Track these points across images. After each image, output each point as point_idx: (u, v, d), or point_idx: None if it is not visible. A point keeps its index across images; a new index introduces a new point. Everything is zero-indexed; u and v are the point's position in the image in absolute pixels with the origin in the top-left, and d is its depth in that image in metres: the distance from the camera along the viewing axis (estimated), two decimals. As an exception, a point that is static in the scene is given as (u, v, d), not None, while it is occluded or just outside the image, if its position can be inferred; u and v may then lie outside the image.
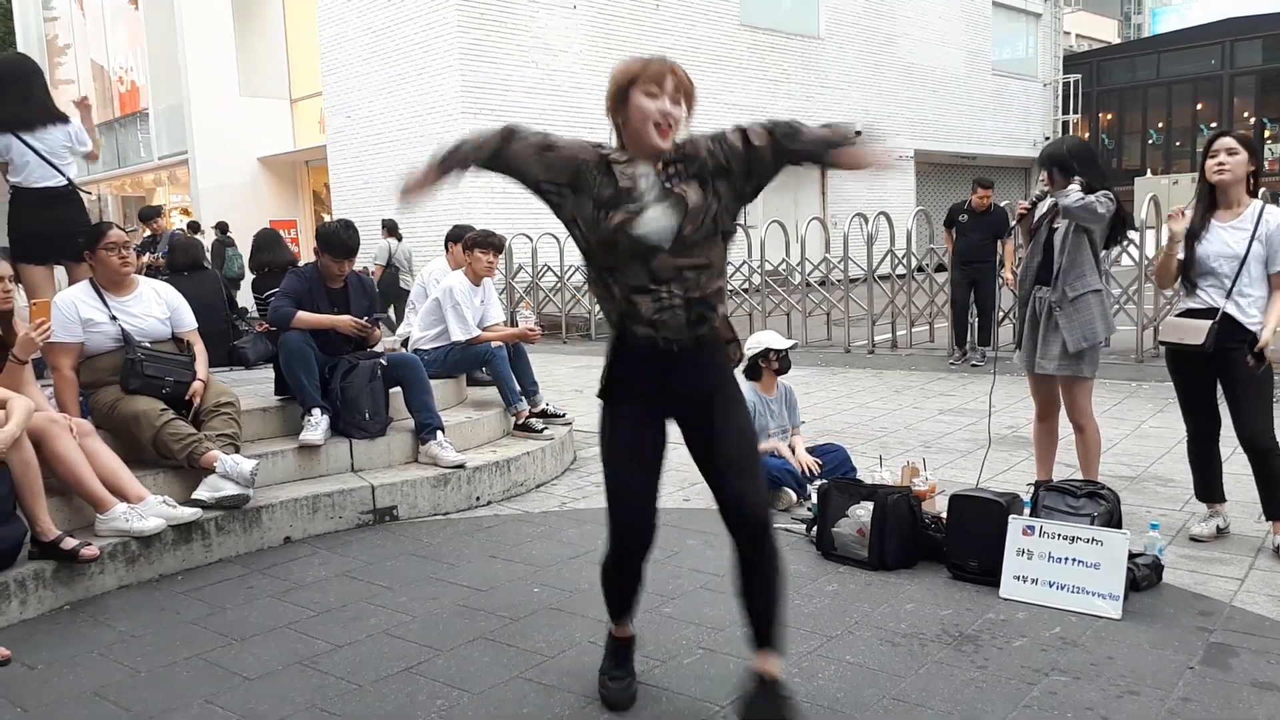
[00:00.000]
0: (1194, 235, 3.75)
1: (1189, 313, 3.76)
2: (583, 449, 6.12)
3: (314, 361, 4.76)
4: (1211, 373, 3.79)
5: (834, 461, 4.87)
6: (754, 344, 5.00)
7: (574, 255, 13.24)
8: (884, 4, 21.24)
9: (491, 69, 14.97)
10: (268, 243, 6.79)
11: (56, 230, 5.01)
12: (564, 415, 5.99)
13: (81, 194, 5.19)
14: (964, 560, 3.61)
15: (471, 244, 5.76)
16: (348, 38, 16.60)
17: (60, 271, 5.42)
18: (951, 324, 9.34)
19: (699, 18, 17.67)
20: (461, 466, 4.90)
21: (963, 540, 3.63)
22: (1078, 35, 35.45)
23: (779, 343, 4.99)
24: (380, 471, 4.86)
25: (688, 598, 3.58)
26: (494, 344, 5.64)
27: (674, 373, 2.47)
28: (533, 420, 5.62)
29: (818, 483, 4.33)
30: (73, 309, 4.24)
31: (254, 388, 5.25)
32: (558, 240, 13.14)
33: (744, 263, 12.29)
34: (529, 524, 4.65)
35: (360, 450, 4.89)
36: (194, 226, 13.54)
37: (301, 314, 4.77)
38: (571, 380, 9.28)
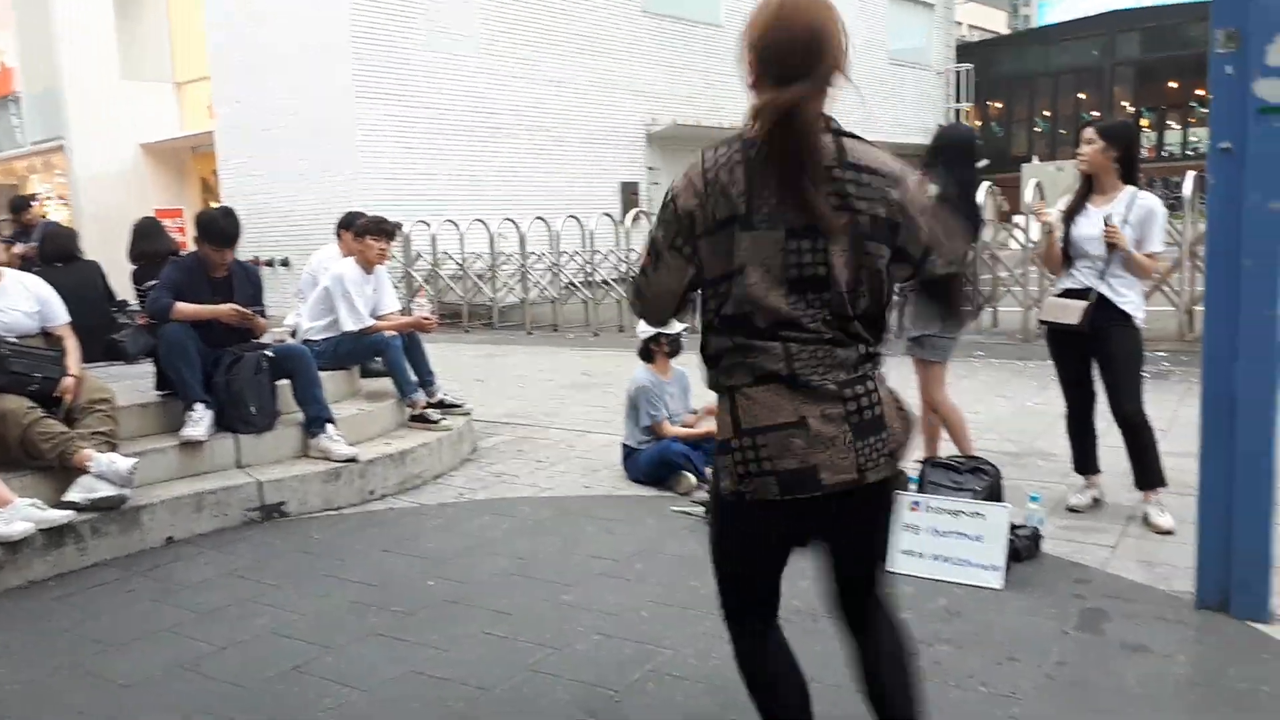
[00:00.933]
0: (1071, 219, 3.90)
1: (1067, 293, 3.91)
2: (482, 439, 6.05)
3: (195, 354, 4.57)
4: (1088, 351, 3.94)
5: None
6: (646, 328, 5.01)
7: (475, 242, 13.07)
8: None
9: (387, 54, 14.62)
10: (147, 232, 6.47)
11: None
12: (462, 405, 5.90)
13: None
14: (855, 537, 3.68)
15: (363, 231, 5.61)
16: (235, 20, 15.98)
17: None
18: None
19: (602, 4, 17.58)
20: (354, 460, 4.78)
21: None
22: (969, 25, 36.54)
23: (670, 327, 5.01)
24: (268, 467, 4.70)
25: (587, 585, 3.57)
26: (388, 333, 5.52)
27: None
28: (429, 411, 5.52)
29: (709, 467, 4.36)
30: None
31: (135, 383, 5.02)
32: (458, 227, 12.96)
33: (631, 250, 12.33)
34: (425, 517, 4.57)
35: (247, 445, 4.72)
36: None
37: (180, 305, 4.57)
38: (472, 369, 9.16)
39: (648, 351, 5.00)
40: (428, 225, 13.16)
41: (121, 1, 18.60)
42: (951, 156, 4.13)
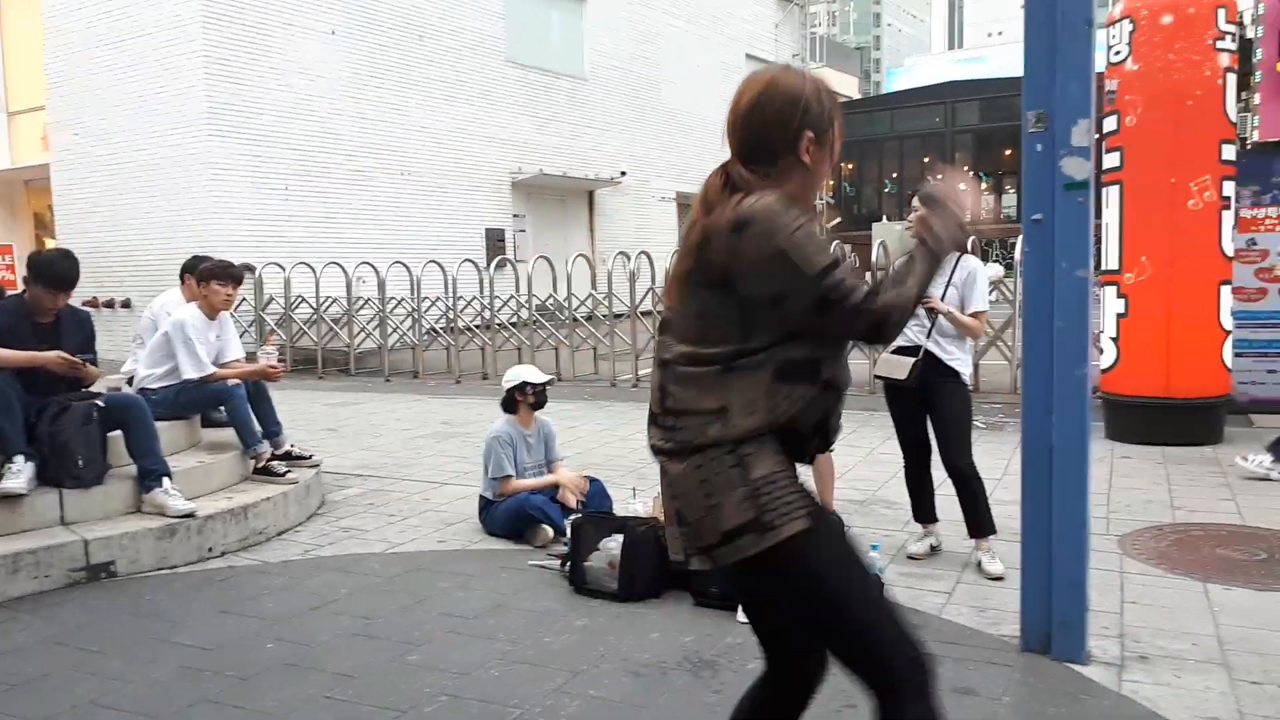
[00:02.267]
0: None
1: (898, 350, 4.13)
2: (332, 492, 5.85)
3: (15, 403, 4.27)
4: (920, 404, 4.15)
5: (591, 494, 4.92)
6: (511, 377, 5.00)
7: (331, 286, 12.75)
8: (646, 51, 22.07)
9: (241, 90, 14.19)
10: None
11: None
12: (310, 457, 5.70)
13: None
14: (706, 586, 3.74)
15: (207, 276, 5.39)
16: (76, 49, 15.21)
17: None
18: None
19: (466, 51, 17.62)
20: (191, 515, 4.54)
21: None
22: (823, 90, 38.25)
23: (536, 377, 5.01)
24: (96, 524, 4.41)
25: (435, 643, 3.48)
26: (231, 382, 5.29)
27: None
28: (274, 463, 5.30)
29: (573, 518, 4.36)
30: None
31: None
32: (313, 270, 12.61)
33: (511, 297, 12.30)
34: (267, 575, 4.37)
35: (72, 501, 4.42)
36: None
37: (2, 352, 4.27)
38: (325, 418, 8.88)
39: (511, 401, 4.98)
40: (282, 268, 12.75)
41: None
42: None
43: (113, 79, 14.79)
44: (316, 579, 4.29)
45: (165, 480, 4.58)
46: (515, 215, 18.76)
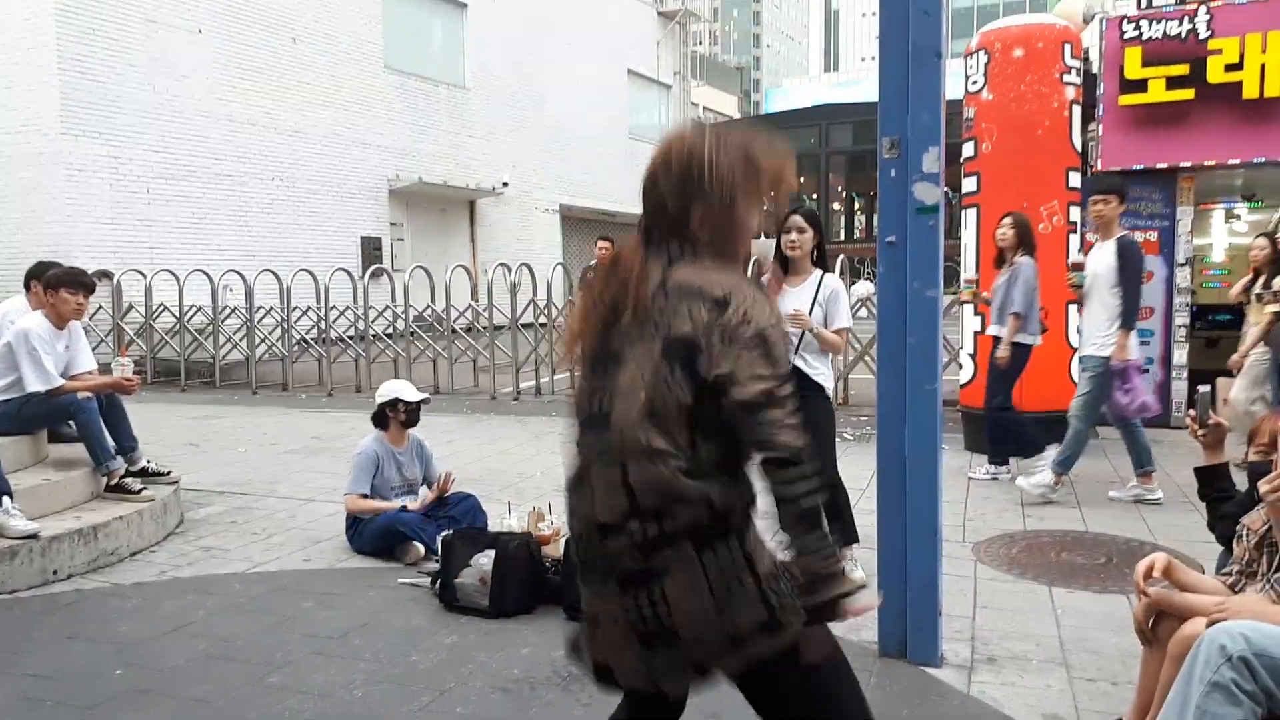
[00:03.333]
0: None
1: None
2: (192, 510, 5.61)
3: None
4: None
5: (463, 510, 4.86)
6: (385, 392, 4.91)
7: (196, 295, 12.24)
8: (528, 62, 22.02)
9: (99, 88, 13.49)
10: None
11: None
12: (168, 473, 5.46)
13: None
14: (577, 600, 3.74)
15: (55, 283, 5.10)
16: (-86, 36, 14.20)
17: None
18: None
19: (341, 55, 17.22)
20: (34, 536, 4.28)
21: (576, 582, 3.77)
22: (705, 108, 39.10)
23: (410, 394, 4.94)
24: (-75, 547, 4.11)
25: (297, 665, 3.38)
26: (81, 395, 5.02)
27: None
28: (128, 480, 5.05)
29: (444, 534, 4.30)
30: None
31: None
32: (176, 278, 12.08)
33: (387, 307, 12.06)
34: (118, 598, 4.16)
35: (-102, 523, 4.11)
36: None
37: None
38: (187, 432, 8.50)
39: (382, 416, 4.88)
40: (143, 275, 12.17)
41: None
42: None
43: (-46, 71, 13.85)
44: (172, 601, 4.10)
45: (5, 499, 4.30)
46: (393, 224, 18.42)
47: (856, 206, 34.88)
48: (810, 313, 4.10)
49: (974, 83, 7.08)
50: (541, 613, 3.86)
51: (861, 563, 4.22)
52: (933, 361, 3.21)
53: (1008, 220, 6.05)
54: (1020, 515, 5.33)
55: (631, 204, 16.71)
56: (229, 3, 15.25)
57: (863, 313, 9.13)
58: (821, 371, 4.17)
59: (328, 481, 6.37)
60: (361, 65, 17.67)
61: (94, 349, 5.90)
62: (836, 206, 33.41)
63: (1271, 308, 6.42)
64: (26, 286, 5.75)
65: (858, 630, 3.63)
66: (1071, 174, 6.93)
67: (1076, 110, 7.01)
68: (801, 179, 33.46)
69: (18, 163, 13.42)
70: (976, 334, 7.04)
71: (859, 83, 52.53)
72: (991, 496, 5.76)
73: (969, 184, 7.10)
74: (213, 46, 14.98)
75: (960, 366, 7.32)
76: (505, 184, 20.86)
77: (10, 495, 4.35)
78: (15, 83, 13.34)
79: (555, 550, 4.18)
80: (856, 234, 33.98)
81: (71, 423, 5.10)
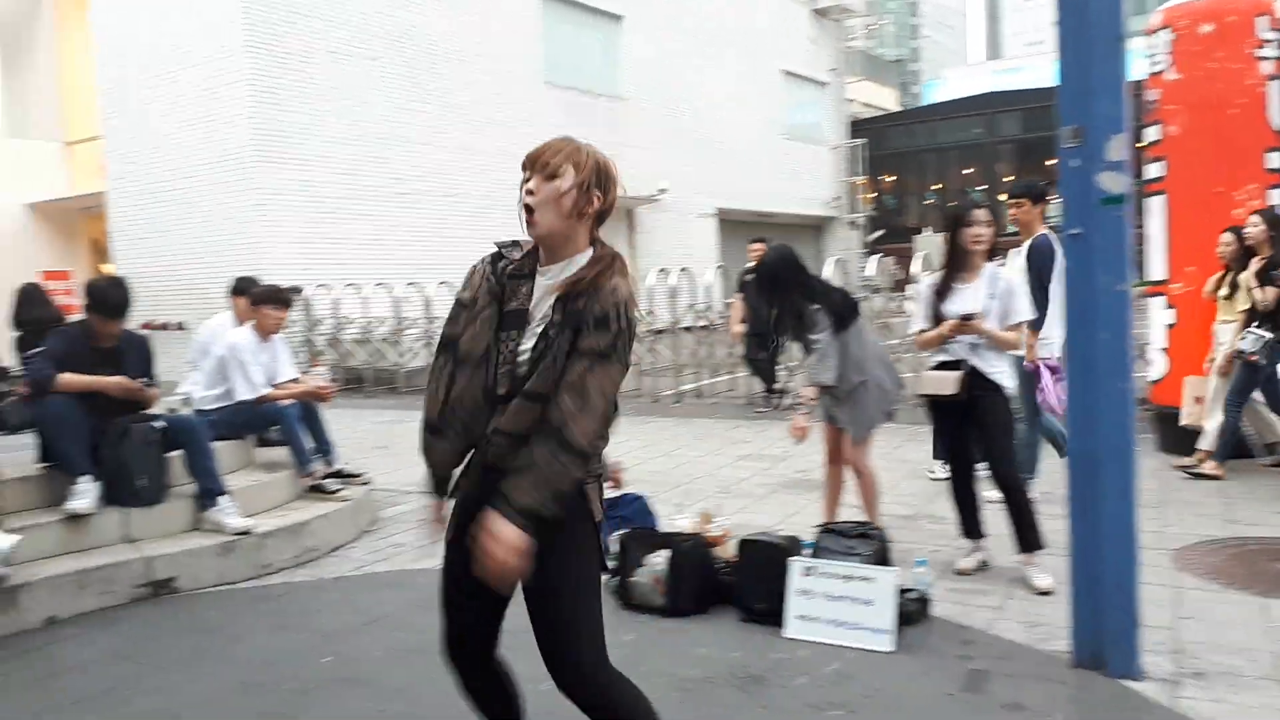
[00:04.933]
0: (941, 296, 4.14)
1: (941, 365, 4.13)
2: (383, 509, 5.96)
3: (79, 426, 4.43)
4: (964, 419, 4.15)
5: (634, 511, 4.96)
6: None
7: (379, 307, 12.97)
8: (683, 69, 22.20)
9: (289, 117, 14.51)
10: (30, 298, 6.31)
11: None
12: (361, 475, 5.82)
13: None
14: (752, 603, 3.77)
15: (259, 300, 5.55)
16: (129, 80, 15.67)
17: None
18: (752, 374, 9.78)
19: (505, 74, 17.86)
20: (248, 533, 4.66)
21: (751, 583, 3.79)
22: (861, 103, 38.28)
23: None
24: (157, 542, 4.55)
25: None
26: (284, 402, 5.43)
27: None
28: (326, 481, 5.42)
29: (617, 534, 4.41)
30: None
31: (16, 455, 4.80)
32: (360, 291, 12.84)
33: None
34: (322, 591, 4.47)
35: (135, 519, 4.56)
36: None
37: (64, 376, 4.43)
38: (375, 436, 9.02)
39: None
40: (329, 289, 13.00)
41: (8, 57, 18.05)
42: (771, 283, 4.45)
43: (163, 109, 15.20)
44: (369, 595, 4.37)
45: (222, 499, 4.71)
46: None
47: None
48: (985, 308, 3.97)
49: (1157, 63, 6.64)
50: (715, 613, 3.89)
51: (1053, 569, 4.05)
52: (1124, 358, 3.05)
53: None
54: (1223, 520, 4.97)
55: (788, 204, 16.71)
56: (402, 31, 16.09)
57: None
58: (1000, 370, 4.03)
59: (503, 483, 6.61)
60: (524, 83, 18.27)
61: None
62: (1003, 198, 32.01)
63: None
64: (230, 301, 6.26)
65: (1047, 640, 3.49)
66: (1271, 155, 6.39)
67: (1274, 86, 6.46)
68: (967, 170, 32.28)
69: (217, 190, 14.61)
70: (1169, 327, 6.61)
71: (1025, 69, 50.12)
72: (1190, 500, 5.40)
73: (1154, 170, 6.67)
74: (388, 73, 15.83)
75: (1149, 363, 6.88)
76: (663, 191, 21.07)
77: (227, 495, 4.75)
78: (214, 116, 14.52)
79: (726, 551, 4.22)
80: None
81: (276, 428, 5.52)
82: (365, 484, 5.80)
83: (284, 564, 4.80)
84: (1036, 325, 5.19)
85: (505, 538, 1.96)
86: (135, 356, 4.72)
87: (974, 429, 4.13)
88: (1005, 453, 4.07)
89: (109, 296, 4.55)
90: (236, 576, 4.60)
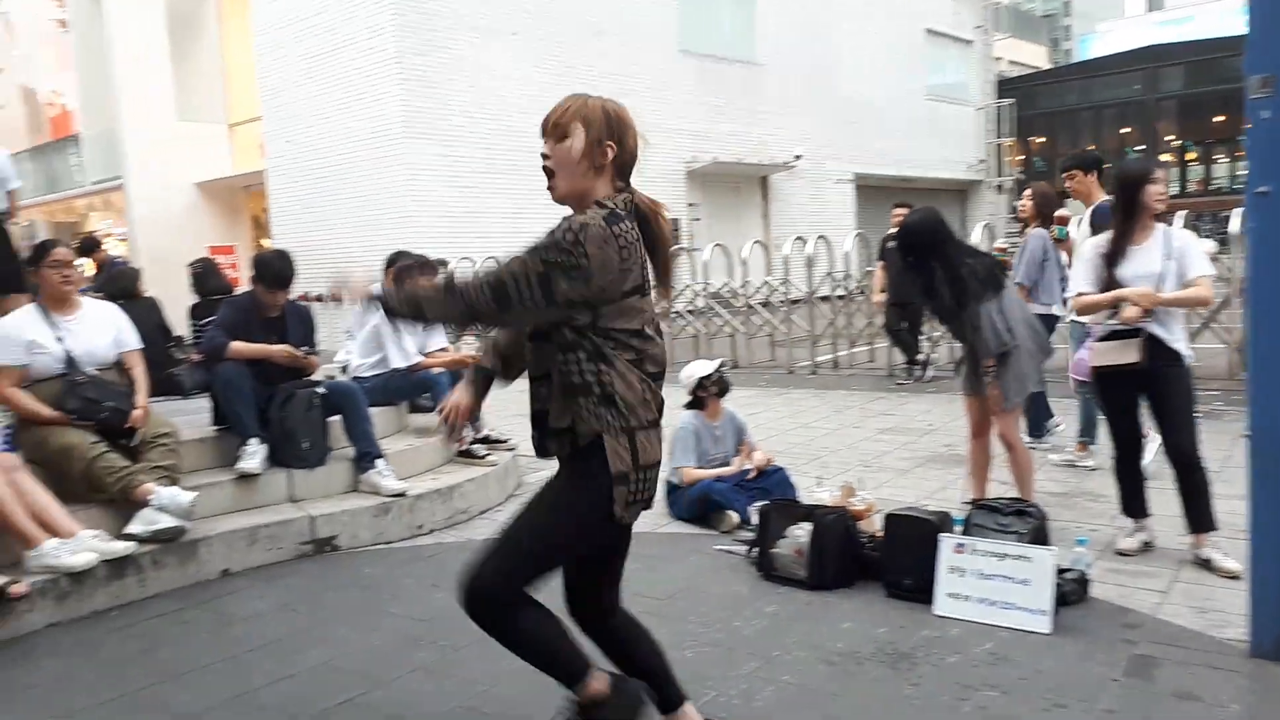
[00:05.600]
0: (1112, 260, 3.90)
1: (1114, 334, 3.89)
2: (527, 474, 6.11)
3: (249, 391, 4.71)
4: (1138, 391, 3.92)
5: (774, 482, 4.93)
6: (685, 380, 5.06)
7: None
8: (820, 31, 21.67)
9: (432, 93, 14.96)
10: (208, 271, 6.76)
11: (-18, 260, 4.91)
12: (507, 441, 5.98)
13: (11, 225, 5.08)
14: (899, 578, 3.69)
15: (409, 272, 5.74)
16: (286, 62, 16.47)
17: None
18: (893, 345, 9.54)
19: (640, 44, 17.86)
20: (402, 495, 4.87)
21: (897, 559, 3.71)
22: (1009, 61, 36.51)
23: (706, 368, 5.06)
24: (319, 501, 4.81)
25: (629, 622, 3.59)
26: (435, 370, 5.63)
27: None
28: (475, 446, 5.60)
29: (758, 504, 4.39)
30: (17, 330, 4.18)
31: (191, 418, 5.16)
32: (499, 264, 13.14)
33: (687, 286, 12.41)
34: (471, 552, 4.61)
35: (299, 480, 4.83)
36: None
37: (235, 344, 4.71)
38: (516, 404, 9.22)
39: (695, 399, 5.04)
40: (474, 262, 13.35)
41: (177, 45, 19.24)
42: (915, 248, 4.28)
43: (318, 89, 15.91)
44: (515, 558, 4.50)
45: (379, 462, 4.92)
46: (690, 204, 18.89)
47: (1190, 156, 31.10)
48: (1161, 271, 3.74)
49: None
50: (860, 588, 3.83)
51: (1231, 552, 3.80)
52: (1320, 327, 2.81)
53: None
54: None
55: (931, 168, 16.18)
56: (541, 4, 16.29)
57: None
58: (1179, 338, 3.80)
59: (642, 452, 6.68)
60: (658, 51, 18.22)
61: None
62: (1166, 157, 29.96)
63: None
64: (384, 274, 6.50)
65: (1221, 627, 3.29)
66: None
67: None
68: (1125, 129, 30.41)
69: (368, 166, 15.21)
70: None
71: (1191, 19, 46.62)
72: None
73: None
74: (526, 47, 16.08)
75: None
76: (798, 157, 20.71)
77: (383, 458, 4.97)
78: (365, 95, 15.10)
79: (870, 525, 4.14)
80: (1189, 187, 30.32)
81: (427, 395, 5.73)
82: (511, 449, 5.96)
83: (435, 525, 4.99)
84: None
85: (357, 280, 2.25)
86: (298, 325, 4.98)
87: (1152, 401, 3.90)
88: (1186, 427, 3.82)
89: (275, 268, 4.81)
90: (392, 536, 4.81)
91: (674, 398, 5.76)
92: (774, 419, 7.80)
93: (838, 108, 22.09)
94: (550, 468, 2.37)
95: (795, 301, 11.37)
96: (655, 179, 18.17)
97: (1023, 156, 30.26)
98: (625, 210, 2.19)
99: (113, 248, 16.12)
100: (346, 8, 15.26)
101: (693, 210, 18.91)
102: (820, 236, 11.45)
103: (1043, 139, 32.02)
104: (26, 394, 4.14)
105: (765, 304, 12.12)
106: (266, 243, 17.83)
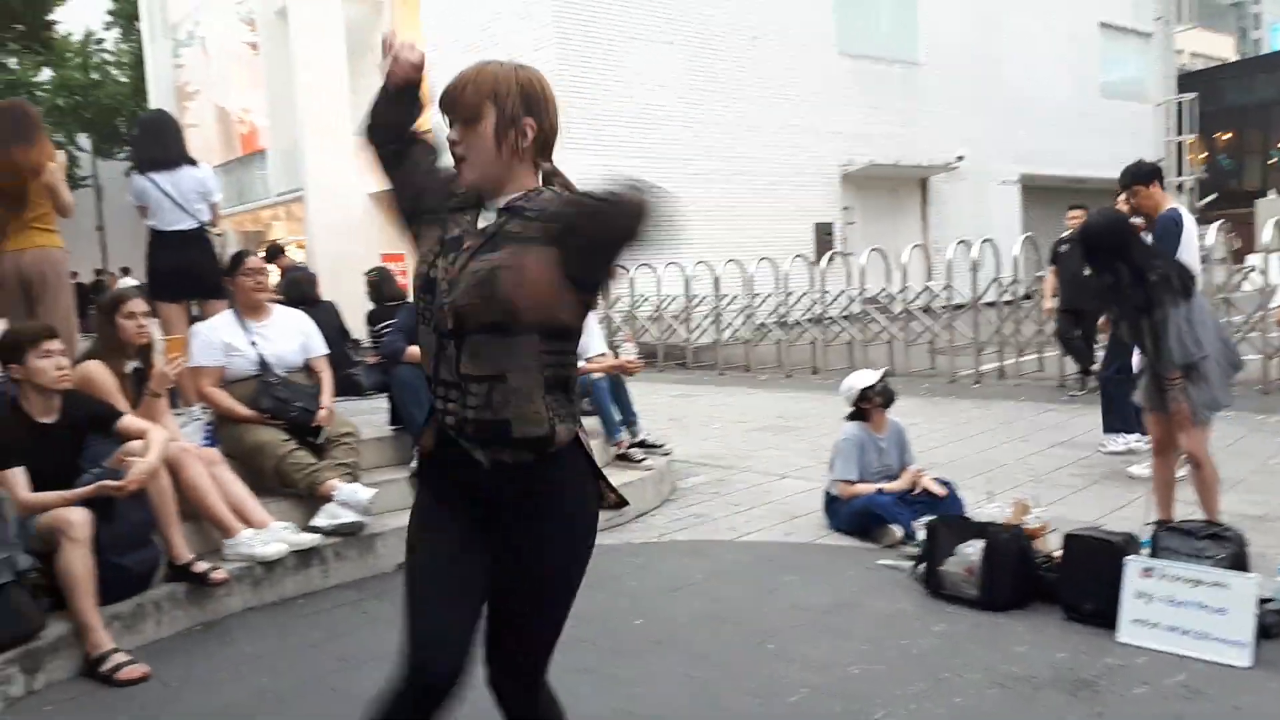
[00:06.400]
0: None
1: None
2: (681, 479, 6.15)
3: (425, 394, 4.91)
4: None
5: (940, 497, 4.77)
6: (847, 391, 4.96)
7: (671, 284, 13.39)
8: (986, 28, 20.87)
9: (591, 105, 15.26)
10: (386, 279, 7.18)
11: (188, 269, 5.33)
12: (663, 446, 6.04)
13: (211, 236, 5.49)
14: (1078, 602, 3.50)
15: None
16: (452, 74, 17.16)
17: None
18: (1065, 354, 9.08)
19: (797, 47, 17.68)
20: (562, 497, 4.97)
21: (1077, 581, 3.53)
22: (1192, 53, 34.14)
23: (869, 378, 4.95)
24: (486, 501, 4.97)
25: (790, 635, 3.56)
26: (595, 375, 5.74)
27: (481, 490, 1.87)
28: (632, 451, 5.69)
29: (925, 520, 4.26)
30: (215, 334, 4.54)
31: (369, 417, 5.44)
32: (654, 270, 13.29)
33: (842, 291, 12.19)
34: (629, 555, 4.69)
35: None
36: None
37: (413, 348, 4.95)
38: (669, 409, 9.32)
39: (859, 412, 4.94)
40: (626, 269, 13.54)
41: (354, 65, 20.38)
42: (1098, 251, 4.05)
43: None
44: (672, 561, 4.54)
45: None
46: (845, 208, 18.56)
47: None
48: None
49: None
50: (1034, 610, 3.66)
51: None
52: None
53: None
54: None
55: (1103, 168, 15.29)
56: (698, 12, 16.38)
57: None
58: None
59: (796, 459, 6.62)
60: (815, 54, 18.00)
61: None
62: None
63: None
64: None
65: None
66: None
67: None
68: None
69: (528, 176, 15.68)
70: None
71: None
72: None
73: None
74: (682, 56, 16.21)
75: None
76: (960, 158, 20.01)
77: (545, 461, 5.10)
78: (524, 106, 15.56)
79: (1045, 545, 3.95)
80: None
81: (585, 399, 5.85)
82: (666, 454, 6.01)
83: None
84: None
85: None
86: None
87: None
88: None
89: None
90: (553, 537, 4.92)
91: (831, 406, 5.69)
92: (936, 430, 7.55)
93: (1003, 106, 21.21)
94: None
95: (958, 307, 10.97)
96: (810, 182, 17.97)
97: (1205, 154, 28.19)
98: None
99: (294, 254, 17.20)
100: (512, 24, 15.78)
101: (847, 214, 18.57)
102: (986, 240, 11.02)
103: (1229, 135, 29.77)
104: (224, 393, 4.48)
105: (925, 310, 11.76)
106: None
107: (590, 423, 5.91)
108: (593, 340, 6.06)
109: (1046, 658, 3.23)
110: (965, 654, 3.30)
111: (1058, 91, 22.39)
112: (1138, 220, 6.29)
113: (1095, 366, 8.95)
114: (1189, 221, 5.42)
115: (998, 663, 3.21)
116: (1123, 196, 5.37)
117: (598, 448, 5.71)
